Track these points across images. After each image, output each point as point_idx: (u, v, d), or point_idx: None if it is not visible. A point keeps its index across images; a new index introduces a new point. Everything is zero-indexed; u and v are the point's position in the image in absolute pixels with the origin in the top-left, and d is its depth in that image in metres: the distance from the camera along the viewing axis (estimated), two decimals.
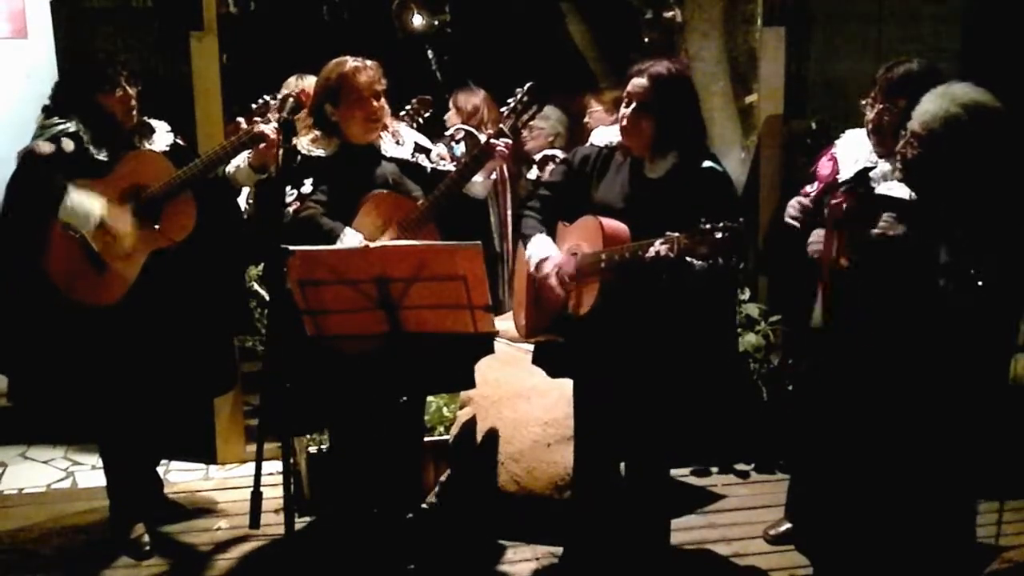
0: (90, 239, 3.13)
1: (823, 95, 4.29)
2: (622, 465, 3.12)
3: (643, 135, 2.83)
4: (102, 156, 3.17)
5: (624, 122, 2.84)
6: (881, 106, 2.96)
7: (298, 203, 3.01)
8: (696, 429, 3.00)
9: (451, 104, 4.48)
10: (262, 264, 3.88)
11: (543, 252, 2.91)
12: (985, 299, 2.60)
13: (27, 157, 3.13)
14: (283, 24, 5.50)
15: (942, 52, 4.20)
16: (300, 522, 3.49)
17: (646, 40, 4.85)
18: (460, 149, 4.07)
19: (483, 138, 3.19)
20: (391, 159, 3.12)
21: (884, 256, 2.74)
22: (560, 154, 4.27)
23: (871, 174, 2.97)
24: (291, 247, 2.62)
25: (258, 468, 2.83)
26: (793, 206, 3.14)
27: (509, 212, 4.27)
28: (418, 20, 5.43)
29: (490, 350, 3.23)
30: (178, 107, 3.74)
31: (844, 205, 2.88)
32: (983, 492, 3.17)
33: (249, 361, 3.96)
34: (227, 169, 3.29)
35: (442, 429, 3.75)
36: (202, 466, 4.07)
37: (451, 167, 3.21)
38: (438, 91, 4.58)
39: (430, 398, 3.67)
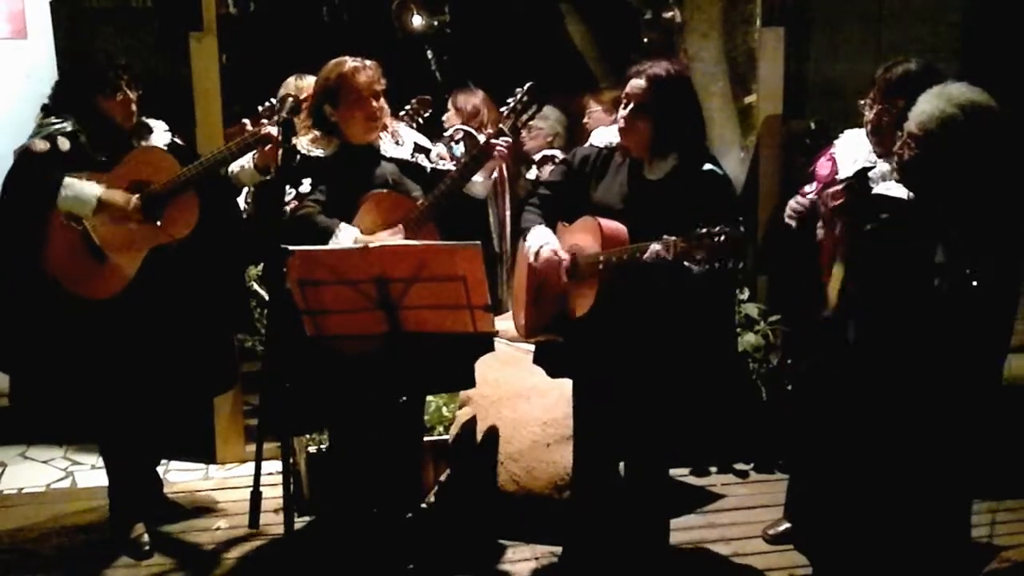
0: (91, 229, 3.14)
1: (822, 95, 4.29)
2: (621, 465, 3.12)
3: (640, 136, 2.83)
4: (99, 156, 3.18)
5: (622, 123, 2.85)
6: (880, 106, 2.97)
7: (296, 202, 3.01)
8: (695, 429, 3.00)
9: (450, 105, 4.48)
10: (262, 264, 3.89)
11: (542, 239, 2.91)
12: (980, 299, 2.60)
13: (23, 155, 3.14)
14: (283, 25, 5.50)
15: (941, 52, 4.20)
16: (300, 522, 3.49)
17: (645, 40, 4.85)
18: (459, 149, 4.07)
19: (482, 138, 3.20)
20: (390, 159, 3.13)
21: (880, 256, 2.74)
22: (559, 154, 4.28)
23: (870, 174, 2.97)
24: (291, 247, 2.63)
25: (258, 468, 2.84)
26: (792, 205, 3.14)
27: (508, 212, 4.28)
28: (417, 20, 5.43)
29: (490, 348, 3.24)
30: (178, 107, 3.74)
31: (842, 199, 2.88)
32: (978, 492, 3.17)
33: (249, 361, 3.97)
34: (230, 169, 3.30)
35: (441, 429, 3.75)
36: (202, 466, 4.07)
37: (451, 166, 3.21)
38: (437, 91, 4.58)
39: (429, 398, 3.68)
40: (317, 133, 3.11)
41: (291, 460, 3.30)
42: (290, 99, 3.06)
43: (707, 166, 2.83)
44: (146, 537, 3.37)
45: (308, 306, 2.68)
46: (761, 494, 3.77)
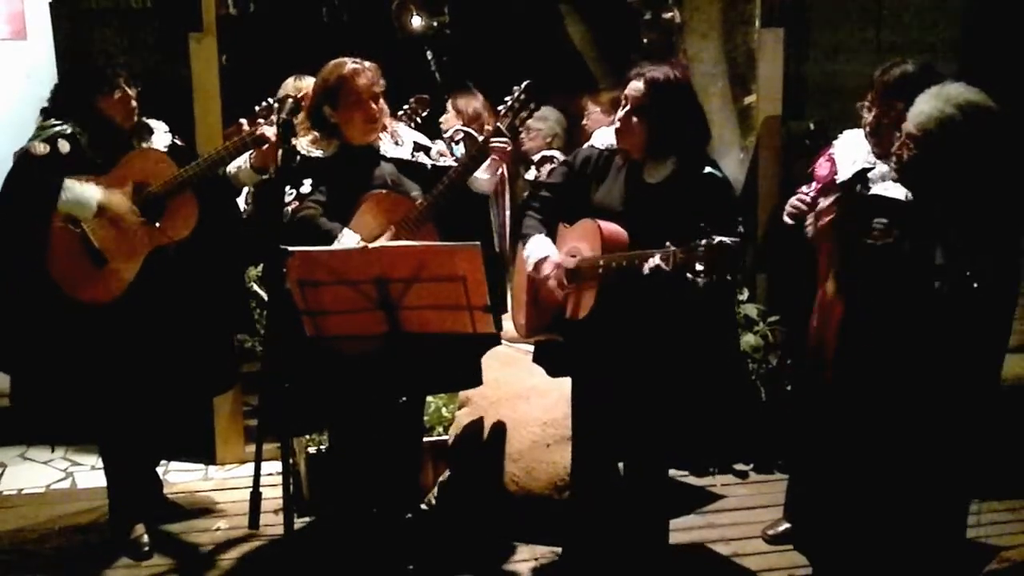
0: (90, 232, 3.14)
1: (821, 96, 4.29)
2: (621, 465, 3.12)
3: (636, 138, 2.84)
4: (99, 158, 3.18)
5: (618, 124, 2.85)
6: (878, 108, 2.97)
7: (297, 203, 3.01)
8: (695, 429, 3.00)
9: (449, 106, 4.48)
10: (261, 265, 3.89)
11: (541, 252, 2.92)
12: (979, 300, 2.60)
13: (23, 158, 3.14)
14: (282, 25, 5.50)
15: (941, 53, 4.21)
16: (299, 522, 3.49)
17: (645, 41, 4.85)
18: (460, 150, 4.07)
19: (482, 138, 3.20)
20: (390, 159, 3.13)
21: (879, 260, 2.74)
22: (558, 155, 4.28)
23: (869, 175, 2.97)
24: (290, 247, 2.63)
25: (257, 468, 2.84)
26: (792, 204, 3.14)
27: (508, 213, 4.28)
28: (417, 21, 5.43)
29: (496, 343, 3.23)
30: (177, 108, 3.74)
31: (835, 214, 2.88)
32: (978, 492, 3.17)
33: (249, 361, 3.97)
34: (228, 169, 3.30)
35: (441, 429, 3.75)
36: (201, 466, 4.07)
37: (452, 163, 3.22)
38: (437, 92, 4.58)
39: (429, 398, 3.68)
40: (317, 134, 3.11)
41: (291, 461, 3.30)
42: (289, 100, 3.06)
43: (707, 169, 2.83)
44: (146, 538, 3.37)
45: (308, 306, 2.68)
46: (761, 494, 3.78)
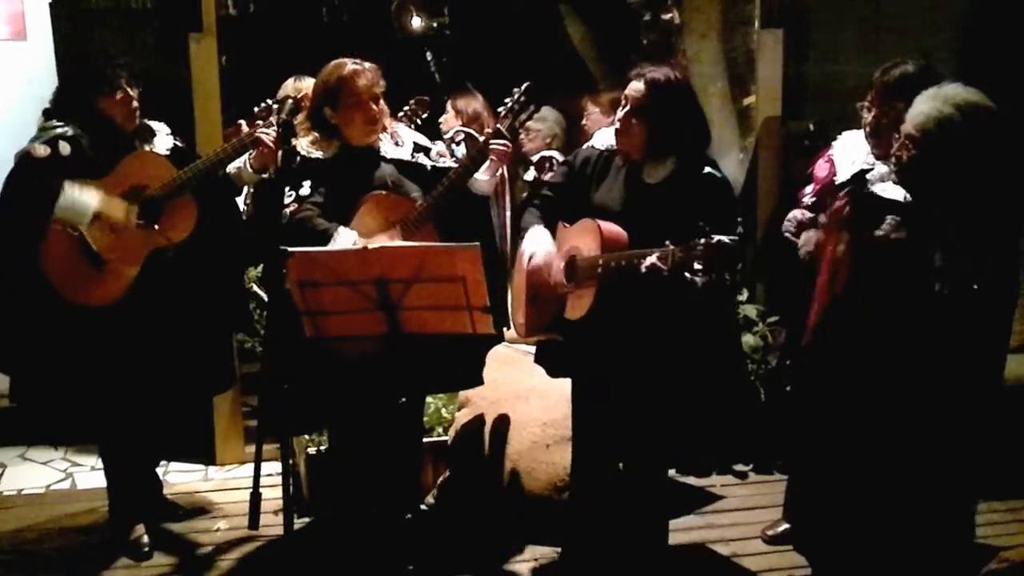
0: (88, 236, 3.14)
1: (821, 97, 4.29)
2: (621, 465, 3.12)
3: (635, 138, 2.84)
4: (100, 160, 3.18)
5: (618, 124, 2.86)
6: (878, 109, 2.97)
7: (295, 205, 3.01)
8: (695, 430, 3.00)
9: (449, 107, 4.48)
10: (261, 265, 3.89)
11: (538, 244, 2.91)
12: (979, 301, 2.61)
13: (23, 159, 3.14)
14: (282, 26, 5.50)
15: (940, 54, 4.21)
16: (299, 523, 3.49)
17: (644, 42, 4.85)
18: (460, 151, 4.07)
19: (482, 139, 3.20)
20: (390, 160, 3.13)
21: (882, 259, 2.74)
22: (558, 156, 4.28)
23: (868, 176, 2.97)
24: (289, 248, 2.63)
25: (257, 469, 2.84)
26: (791, 220, 3.14)
27: (508, 214, 4.28)
28: (417, 22, 5.44)
29: (498, 341, 3.23)
30: (177, 109, 3.74)
31: (846, 208, 2.88)
32: (980, 493, 3.18)
33: (248, 362, 3.97)
34: (229, 169, 3.30)
35: (440, 430, 3.75)
36: (201, 467, 4.07)
37: (451, 163, 3.22)
38: (437, 93, 4.58)
39: (429, 399, 3.68)
40: (317, 135, 3.11)
41: (291, 461, 3.31)
42: (289, 101, 3.06)
43: (706, 169, 2.83)
44: (146, 538, 3.37)
45: (307, 307, 2.68)
46: (760, 495, 3.78)
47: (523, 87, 3.10)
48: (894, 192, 2.82)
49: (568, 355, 2.99)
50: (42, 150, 3.11)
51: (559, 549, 3.30)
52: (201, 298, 3.34)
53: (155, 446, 3.65)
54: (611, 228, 2.79)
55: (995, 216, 2.69)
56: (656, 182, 2.85)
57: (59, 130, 3.16)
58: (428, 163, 3.19)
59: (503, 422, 3.59)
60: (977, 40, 4.37)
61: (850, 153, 3.09)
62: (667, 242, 2.55)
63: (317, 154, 3.09)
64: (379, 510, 3.26)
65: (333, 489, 3.43)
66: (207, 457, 4.07)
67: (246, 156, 3.25)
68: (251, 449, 3.37)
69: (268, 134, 3.16)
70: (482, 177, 3.12)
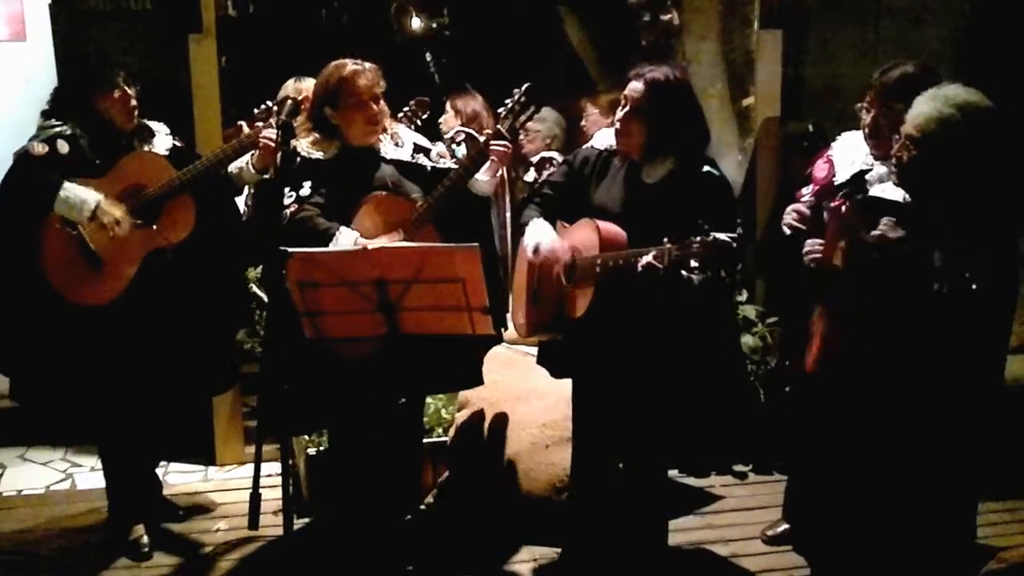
0: (87, 235, 3.14)
1: (820, 97, 4.30)
2: (620, 465, 3.13)
3: (634, 139, 2.85)
4: (98, 159, 3.18)
5: (618, 124, 2.86)
6: (877, 110, 2.97)
7: (296, 205, 3.01)
8: (694, 430, 3.01)
9: (448, 107, 4.48)
10: (260, 266, 3.90)
11: (540, 234, 2.91)
12: (979, 301, 2.61)
13: (22, 158, 3.14)
14: (282, 27, 5.51)
15: (939, 54, 4.21)
16: (299, 523, 3.49)
17: (644, 43, 4.86)
18: (461, 151, 4.08)
19: (482, 140, 3.20)
20: (391, 161, 3.13)
21: (880, 260, 2.74)
22: (557, 156, 4.29)
23: (867, 177, 2.97)
24: (289, 249, 2.63)
25: (257, 469, 2.84)
26: (791, 214, 3.14)
27: (508, 215, 4.28)
28: (416, 23, 5.44)
29: (497, 341, 3.23)
30: (177, 109, 3.74)
31: (843, 208, 2.88)
32: (980, 493, 3.18)
33: (248, 363, 3.97)
34: (230, 169, 3.31)
35: (440, 431, 3.76)
36: (201, 467, 4.07)
37: (451, 165, 3.22)
38: (436, 94, 4.59)
39: (429, 400, 3.68)
40: (317, 135, 3.12)
41: (290, 461, 3.31)
42: (289, 101, 3.06)
43: (705, 168, 2.84)
44: (146, 539, 3.37)
45: (307, 308, 2.68)
46: (760, 495, 3.78)
47: (523, 88, 3.11)
48: (893, 193, 2.82)
49: (569, 355, 2.99)
50: (40, 148, 3.12)
51: (559, 549, 3.31)
52: (200, 298, 3.34)
53: (155, 446, 3.65)
54: (610, 228, 2.80)
55: (995, 216, 2.70)
56: (655, 182, 2.86)
57: (57, 129, 3.16)
58: (428, 164, 3.19)
59: (502, 423, 3.59)
60: (977, 41, 4.37)
61: (849, 154, 3.09)
62: (664, 240, 2.56)
63: (317, 155, 3.09)
64: (379, 510, 3.27)
65: (333, 489, 3.43)
66: (207, 457, 4.07)
67: (248, 156, 3.26)
68: (251, 449, 3.38)
69: (268, 135, 3.17)
70: (482, 178, 3.12)
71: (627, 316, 2.80)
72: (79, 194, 3.09)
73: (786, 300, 3.70)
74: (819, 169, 3.19)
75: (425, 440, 3.59)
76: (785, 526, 3.43)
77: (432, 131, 4.19)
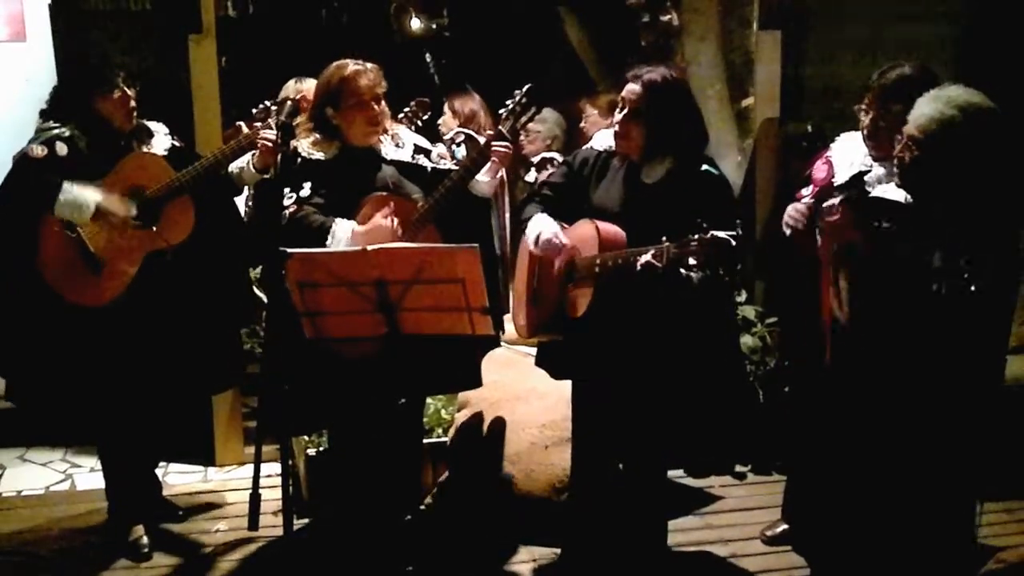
0: (86, 237, 3.14)
1: (819, 98, 4.30)
2: (620, 466, 3.13)
3: (634, 140, 2.85)
4: (97, 161, 3.18)
5: (617, 127, 2.87)
6: (876, 111, 2.97)
7: (296, 207, 3.01)
8: (694, 430, 3.01)
9: (446, 108, 4.49)
10: (260, 267, 3.90)
11: (542, 225, 2.90)
12: (979, 301, 2.61)
13: (20, 160, 3.14)
14: (281, 27, 5.51)
15: (939, 55, 4.21)
16: (299, 523, 3.49)
17: (643, 44, 4.86)
18: (461, 152, 4.08)
19: (483, 141, 3.21)
20: (391, 162, 3.14)
21: (880, 262, 2.74)
22: (558, 157, 4.29)
23: (866, 178, 2.98)
24: (289, 250, 2.63)
25: (257, 470, 2.84)
26: (790, 214, 3.15)
27: (508, 216, 4.28)
28: (416, 24, 5.45)
29: (495, 344, 3.24)
30: (176, 110, 3.74)
31: (838, 217, 2.87)
32: (980, 493, 3.18)
33: (248, 363, 3.97)
34: (231, 168, 3.31)
35: (440, 431, 3.76)
36: (201, 468, 4.07)
37: (452, 166, 3.23)
38: (436, 94, 4.59)
39: (428, 400, 3.69)
40: (318, 136, 3.12)
41: (290, 462, 3.31)
42: (289, 102, 3.07)
43: (704, 167, 2.84)
44: (145, 539, 3.37)
45: (307, 308, 2.68)
46: (759, 495, 3.79)
47: (524, 89, 3.11)
48: (895, 194, 2.82)
49: (569, 356, 3.00)
50: (39, 151, 3.12)
51: (558, 550, 3.31)
52: (200, 298, 3.34)
53: (154, 447, 3.65)
54: (609, 228, 2.80)
55: (996, 217, 2.70)
56: (654, 182, 2.86)
57: (56, 131, 3.16)
58: (429, 165, 3.20)
59: (502, 423, 3.59)
60: (977, 41, 4.38)
61: (848, 155, 3.09)
62: (663, 239, 2.56)
63: (318, 155, 3.09)
64: (378, 511, 3.27)
65: (333, 490, 3.43)
66: (207, 458, 4.07)
67: (248, 156, 3.26)
68: (251, 450, 3.38)
69: (267, 135, 3.17)
70: (483, 179, 3.13)
71: (627, 316, 2.81)
72: (79, 195, 3.09)
73: (785, 301, 3.70)
74: (818, 170, 3.19)
75: (425, 440, 3.59)
76: (784, 526, 3.44)
77: (432, 132, 4.20)
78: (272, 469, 3.44)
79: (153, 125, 3.37)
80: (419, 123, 3.97)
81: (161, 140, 3.36)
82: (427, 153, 3.23)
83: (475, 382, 3.26)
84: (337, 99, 3.04)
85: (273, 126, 3.16)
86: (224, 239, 3.41)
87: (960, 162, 2.62)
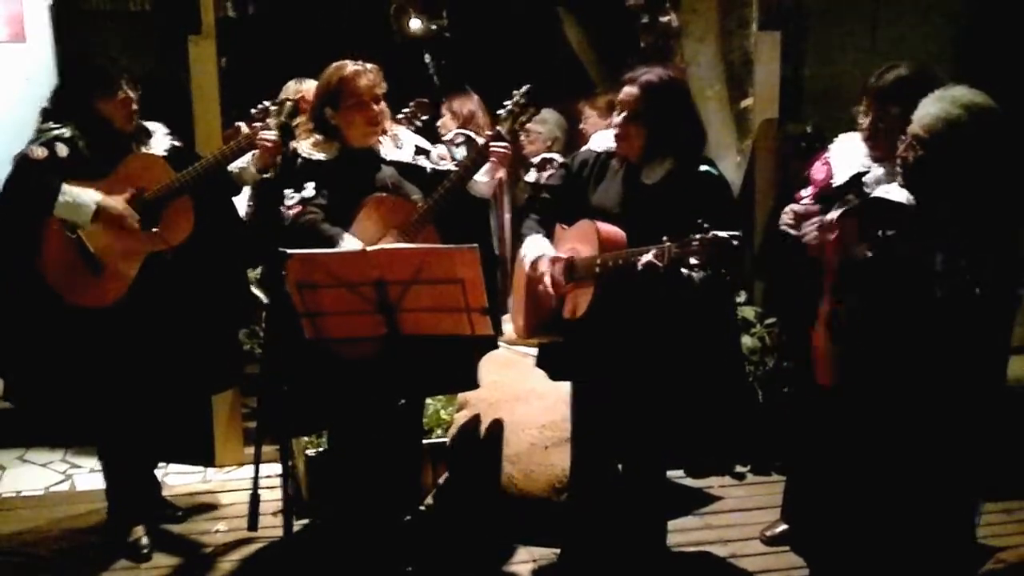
0: (87, 238, 3.14)
1: (818, 99, 4.31)
2: (620, 466, 3.13)
3: (634, 143, 2.85)
4: (98, 162, 3.18)
5: (616, 130, 2.87)
6: (874, 113, 2.97)
7: (299, 207, 3.02)
8: (693, 431, 3.01)
9: (445, 109, 4.49)
10: (260, 267, 3.90)
11: (537, 251, 2.93)
12: (981, 301, 2.61)
13: (21, 161, 3.14)
14: (281, 28, 5.51)
15: (940, 54, 4.22)
16: (298, 524, 3.49)
17: (642, 44, 4.87)
18: (460, 153, 4.08)
19: (482, 142, 3.21)
20: (391, 162, 3.14)
21: (880, 265, 2.74)
22: (559, 158, 4.29)
23: (865, 179, 2.98)
24: (289, 250, 2.64)
25: (256, 470, 2.85)
26: (787, 213, 3.15)
27: (507, 216, 4.29)
28: (416, 24, 5.45)
29: (493, 346, 3.24)
30: (176, 111, 3.74)
31: (837, 234, 2.87)
32: (981, 494, 3.18)
33: (248, 363, 3.97)
34: (232, 168, 3.31)
35: (440, 431, 3.76)
36: (200, 468, 4.07)
37: (451, 167, 3.23)
38: (435, 95, 4.59)
39: (428, 400, 3.69)
40: (318, 136, 3.12)
41: (290, 462, 3.31)
42: (288, 103, 3.07)
43: (703, 168, 2.84)
44: (145, 540, 3.37)
45: (307, 309, 2.69)
46: (758, 496, 3.79)
47: (523, 90, 3.11)
48: (897, 194, 2.82)
49: (568, 357, 3.00)
50: (40, 152, 3.11)
51: (558, 550, 3.31)
52: (200, 298, 3.34)
53: (154, 448, 3.65)
54: (609, 229, 2.80)
55: (999, 217, 2.70)
56: (654, 182, 2.86)
57: (56, 132, 3.16)
58: (428, 166, 3.20)
59: (502, 424, 3.59)
60: (977, 41, 4.38)
61: (847, 156, 3.09)
62: (664, 239, 2.57)
63: (319, 156, 3.10)
64: (378, 511, 3.27)
65: (332, 490, 3.43)
66: (206, 459, 4.07)
67: (249, 157, 3.26)
68: (250, 450, 3.38)
69: (266, 136, 3.17)
70: (482, 179, 3.13)
71: (628, 316, 2.81)
72: (79, 197, 3.09)
73: (785, 301, 3.70)
74: (817, 171, 3.19)
75: (425, 441, 3.60)
76: (784, 526, 3.44)
77: (432, 133, 4.20)
78: (272, 470, 3.45)
79: (152, 125, 3.37)
80: (418, 124, 3.97)
81: (160, 140, 3.36)
82: (427, 154, 3.24)
83: (471, 384, 3.26)
84: (336, 99, 3.04)
85: (272, 126, 3.16)
86: (223, 239, 3.41)
87: (966, 161, 2.62)
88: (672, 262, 2.55)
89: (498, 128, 3.12)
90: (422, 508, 3.57)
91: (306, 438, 3.62)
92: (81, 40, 4.04)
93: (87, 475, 4.03)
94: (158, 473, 3.76)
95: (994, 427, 2.89)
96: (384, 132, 3.14)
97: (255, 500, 2.83)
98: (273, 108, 3.29)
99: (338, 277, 2.63)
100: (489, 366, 3.37)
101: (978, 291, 2.57)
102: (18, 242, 3.18)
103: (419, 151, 3.22)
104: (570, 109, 4.56)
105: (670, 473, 3.50)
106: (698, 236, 2.50)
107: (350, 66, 3.06)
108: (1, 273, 3.25)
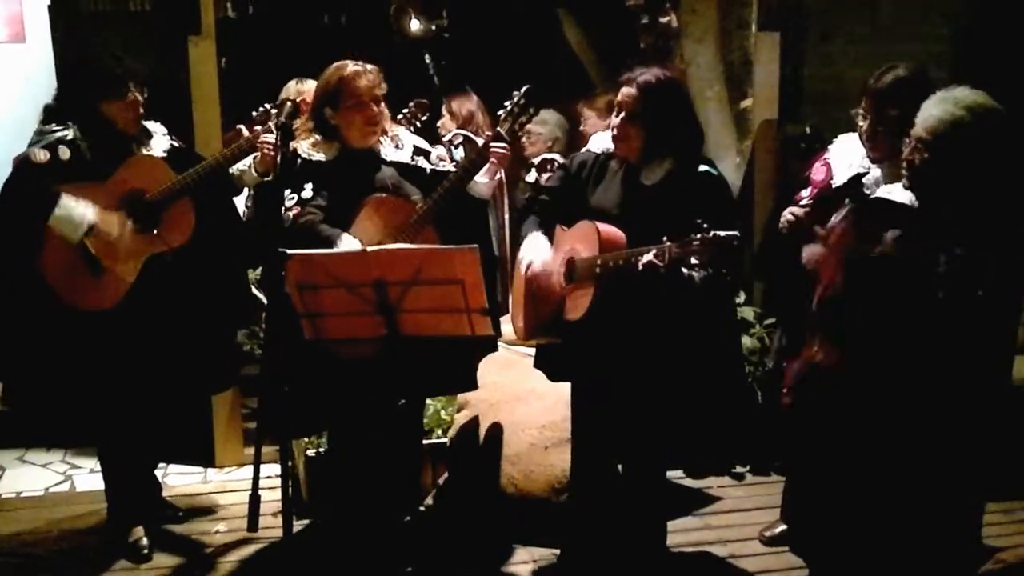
0: (87, 241, 3.14)
1: (818, 100, 4.31)
2: (620, 467, 3.13)
3: (633, 144, 2.86)
4: (100, 164, 3.18)
5: (615, 131, 2.87)
6: (873, 115, 2.97)
7: (299, 208, 3.02)
8: (693, 431, 3.01)
9: (444, 109, 4.49)
10: (260, 268, 3.90)
11: (535, 252, 2.93)
12: (984, 302, 2.61)
13: (23, 164, 3.13)
14: (281, 28, 5.51)
15: (939, 55, 4.22)
16: (298, 525, 3.50)
17: (642, 45, 4.87)
18: (460, 154, 4.09)
19: (482, 142, 3.21)
20: (391, 163, 3.14)
21: (882, 267, 2.74)
22: (559, 158, 4.29)
23: (864, 180, 2.98)
24: (289, 251, 2.64)
25: (256, 471, 2.84)
26: (787, 216, 3.15)
27: (507, 216, 4.29)
28: (416, 25, 5.45)
29: (492, 349, 3.25)
30: (176, 111, 3.75)
31: (843, 229, 2.86)
32: (984, 495, 3.18)
33: (248, 364, 3.97)
34: (233, 170, 3.31)
35: (440, 432, 3.76)
36: (200, 469, 4.07)
37: (451, 167, 3.23)
38: (435, 96, 4.60)
39: (428, 401, 3.69)
40: (318, 137, 3.12)
41: (290, 463, 3.31)
42: (288, 104, 3.06)
43: (702, 168, 2.85)
44: (145, 540, 3.37)
45: (306, 309, 2.69)
46: (757, 496, 3.79)
47: (522, 90, 3.12)
48: (899, 195, 2.82)
49: (567, 358, 3.00)
50: (42, 155, 3.10)
51: (557, 550, 3.31)
52: (200, 299, 3.34)
53: (154, 448, 3.65)
54: (609, 229, 2.81)
55: (1002, 218, 2.70)
56: (653, 183, 2.86)
57: (59, 134, 3.15)
58: (428, 166, 3.20)
59: (501, 424, 3.59)
60: (977, 41, 4.38)
61: (846, 157, 3.09)
62: (664, 239, 2.57)
63: (318, 156, 3.10)
64: (378, 512, 3.27)
65: (332, 491, 3.44)
66: (206, 459, 4.07)
67: (250, 159, 3.26)
68: (250, 451, 3.38)
69: (267, 139, 3.17)
70: (481, 180, 3.13)
71: (628, 316, 2.81)
72: (73, 213, 3.07)
73: (784, 302, 3.70)
74: (816, 172, 3.19)
75: (425, 441, 3.60)
76: (783, 527, 3.44)
77: (431, 133, 4.20)
78: (272, 470, 3.44)
79: (152, 125, 3.36)
80: (418, 124, 3.97)
81: (160, 141, 3.36)
82: (426, 154, 3.24)
83: (471, 385, 3.26)
84: (336, 100, 3.04)
85: (273, 128, 3.16)
86: (224, 240, 3.41)
87: (969, 163, 2.62)
88: (673, 262, 2.55)
89: (498, 129, 3.12)
90: (422, 508, 3.57)
91: (306, 439, 3.62)
92: (81, 40, 4.03)
93: (87, 476, 4.03)
94: (158, 474, 3.76)
95: (997, 428, 2.88)
96: (384, 133, 3.15)
97: (255, 501, 2.83)
98: (274, 111, 3.29)
99: (338, 278, 2.63)
100: (489, 367, 3.37)
101: (980, 292, 2.57)
102: (18, 244, 3.18)
103: (418, 152, 3.22)
104: (570, 110, 4.56)
105: (670, 473, 3.51)
106: (698, 236, 2.50)
107: (350, 66, 3.06)
108: (3, 275, 3.25)
